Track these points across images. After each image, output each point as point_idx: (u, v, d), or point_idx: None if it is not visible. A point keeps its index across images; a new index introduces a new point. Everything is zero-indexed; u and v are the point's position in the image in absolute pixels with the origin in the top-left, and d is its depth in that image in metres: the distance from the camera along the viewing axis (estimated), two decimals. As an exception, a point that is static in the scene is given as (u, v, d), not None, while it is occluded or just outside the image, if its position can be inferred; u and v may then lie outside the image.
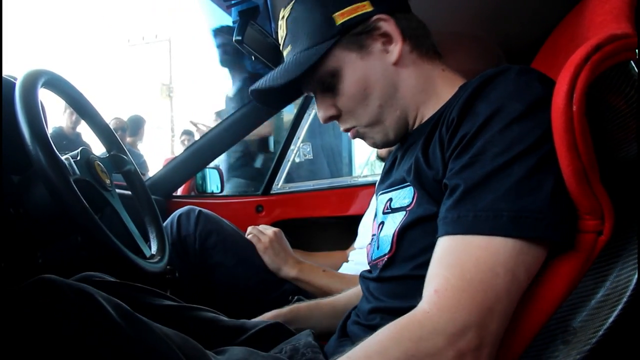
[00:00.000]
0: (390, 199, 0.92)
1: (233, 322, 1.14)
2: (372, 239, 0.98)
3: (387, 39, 0.91)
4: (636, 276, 0.68)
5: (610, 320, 0.68)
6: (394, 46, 0.91)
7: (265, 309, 1.30)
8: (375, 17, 0.90)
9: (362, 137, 0.98)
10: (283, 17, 0.96)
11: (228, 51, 2.64)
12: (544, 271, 0.71)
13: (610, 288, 0.70)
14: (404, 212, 0.86)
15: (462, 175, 0.72)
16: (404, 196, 0.87)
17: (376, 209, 0.99)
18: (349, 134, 0.97)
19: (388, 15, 0.90)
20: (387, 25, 0.90)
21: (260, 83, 0.95)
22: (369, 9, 0.89)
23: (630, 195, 0.72)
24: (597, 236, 0.69)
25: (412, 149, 0.94)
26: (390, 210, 0.91)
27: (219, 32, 2.52)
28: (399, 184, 0.90)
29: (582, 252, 0.69)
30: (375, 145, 0.99)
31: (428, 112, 0.94)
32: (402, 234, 0.85)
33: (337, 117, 0.96)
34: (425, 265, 0.73)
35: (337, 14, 0.89)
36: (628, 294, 0.68)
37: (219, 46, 2.63)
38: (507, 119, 0.71)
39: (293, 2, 0.94)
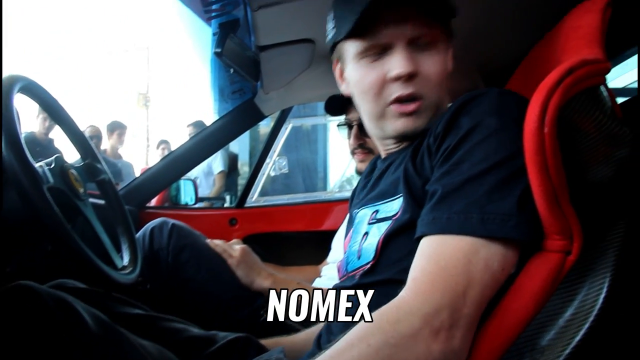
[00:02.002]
0: (377, 211, 0.92)
1: (203, 333, 1.13)
2: (348, 251, 0.98)
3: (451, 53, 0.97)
4: (603, 295, 0.70)
5: (577, 339, 0.70)
6: (450, 59, 0.96)
7: (237, 325, 1.29)
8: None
9: (415, 111, 0.93)
10: None
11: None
12: (513, 290, 0.73)
13: (577, 307, 0.71)
14: (389, 221, 0.87)
15: (441, 181, 0.77)
16: (392, 207, 0.89)
17: (354, 224, 0.99)
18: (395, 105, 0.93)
19: None
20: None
21: None
22: None
23: (598, 216, 0.73)
24: (566, 256, 0.70)
25: (395, 163, 0.95)
26: (375, 220, 0.92)
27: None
28: (389, 196, 0.91)
29: (550, 271, 0.71)
30: (409, 127, 0.94)
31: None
32: (388, 240, 0.86)
33: (414, 76, 0.91)
34: (408, 269, 0.75)
35: None
36: (595, 313, 0.70)
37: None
38: (485, 132, 0.76)
39: None
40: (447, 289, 0.68)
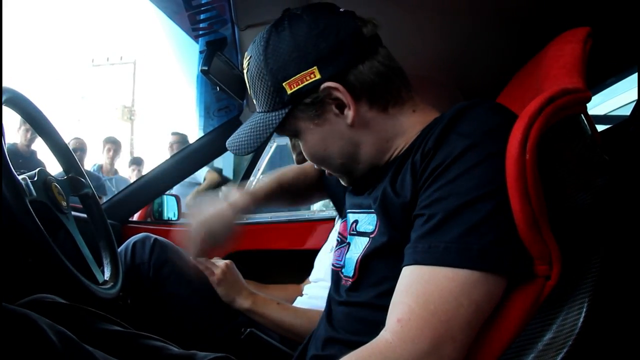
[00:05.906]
0: (357, 221, 0.93)
1: (182, 352, 1.12)
2: (338, 253, 0.99)
3: (341, 102, 0.87)
4: (581, 320, 0.71)
5: (556, 363, 0.71)
6: (348, 110, 0.87)
7: (217, 342, 1.27)
8: (323, 85, 0.85)
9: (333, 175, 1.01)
10: (244, 69, 0.95)
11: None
12: (494, 314, 0.73)
13: (556, 331, 0.72)
14: (367, 239, 0.87)
15: (434, 206, 0.73)
16: (368, 222, 0.88)
17: (347, 224, 0.99)
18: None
19: (337, 82, 0.85)
20: (337, 92, 0.86)
21: (233, 145, 0.96)
22: (317, 76, 0.85)
23: (577, 241, 0.75)
24: (545, 281, 0.71)
25: (382, 178, 0.92)
26: (355, 232, 0.92)
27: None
28: (365, 208, 0.91)
29: (530, 296, 0.72)
30: (344, 184, 1.01)
31: (398, 148, 0.92)
32: (365, 261, 0.86)
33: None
34: (385, 294, 0.75)
35: (285, 83, 0.86)
36: (573, 337, 0.71)
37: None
38: (481, 155, 0.72)
39: (249, 57, 0.92)
40: (437, 335, 0.67)
